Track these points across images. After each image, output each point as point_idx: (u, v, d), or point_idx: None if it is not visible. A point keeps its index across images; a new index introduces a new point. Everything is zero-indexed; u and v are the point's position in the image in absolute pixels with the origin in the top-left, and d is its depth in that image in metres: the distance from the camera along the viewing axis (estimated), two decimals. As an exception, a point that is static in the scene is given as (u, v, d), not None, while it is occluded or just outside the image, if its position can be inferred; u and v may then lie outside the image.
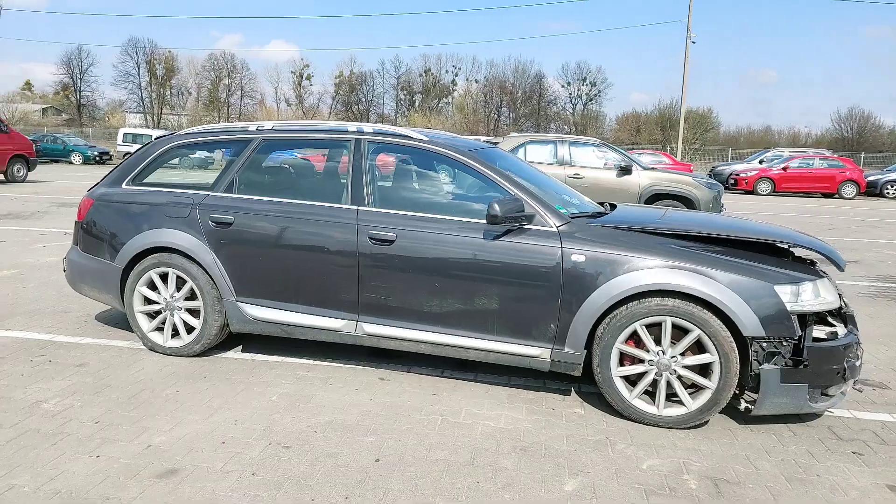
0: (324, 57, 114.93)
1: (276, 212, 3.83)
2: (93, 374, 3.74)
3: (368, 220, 3.67)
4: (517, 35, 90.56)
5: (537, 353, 3.50)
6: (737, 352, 3.23)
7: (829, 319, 3.52)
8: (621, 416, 3.43)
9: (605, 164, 10.28)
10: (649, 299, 3.30)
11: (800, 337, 3.22)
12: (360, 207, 3.72)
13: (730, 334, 3.22)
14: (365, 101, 72.91)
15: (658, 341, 3.33)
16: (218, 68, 63.36)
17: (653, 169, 10.60)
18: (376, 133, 3.89)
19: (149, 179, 4.24)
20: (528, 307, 3.48)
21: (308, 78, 74.54)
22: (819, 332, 3.42)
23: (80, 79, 58.24)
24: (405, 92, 76.61)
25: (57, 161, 27.38)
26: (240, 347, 4.29)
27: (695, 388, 3.36)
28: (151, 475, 2.69)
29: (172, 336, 4.08)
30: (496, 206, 3.33)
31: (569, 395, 3.74)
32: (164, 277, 4.03)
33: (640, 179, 10.01)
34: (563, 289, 3.41)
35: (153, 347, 4.11)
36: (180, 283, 4.00)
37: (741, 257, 3.35)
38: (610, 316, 3.36)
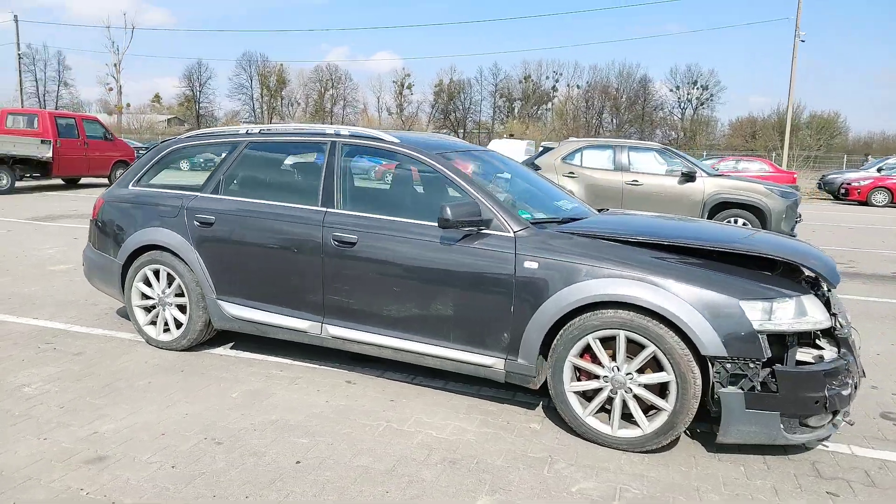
0: (425, 67, 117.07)
1: (253, 212, 3.93)
2: (84, 363, 3.99)
3: (334, 222, 3.69)
4: (620, 37, 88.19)
5: (491, 363, 3.38)
6: (697, 372, 2.97)
7: (819, 342, 3.17)
8: (577, 434, 3.24)
9: (666, 170, 9.79)
10: (602, 311, 3.10)
11: (770, 359, 2.92)
12: (328, 209, 3.75)
13: (689, 352, 2.97)
14: (462, 108, 73.59)
15: (615, 356, 3.12)
16: (323, 80, 66.12)
17: (721, 175, 9.98)
18: (351, 135, 3.91)
19: (153, 181, 4.48)
20: (482, 314, 3.36)
21: (409, 87, 76.23)
22: (805, 355, 3.09)
23: (200, 91, 62.70)
24: (504, 99, 76.57)
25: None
26: (230, 344, 4.43)
27: (655, 409, 3.12)
28: (81, 461, 2.82)
29: (165, 330, 4.27)
30: (447, 210, 3.25)
31: (533, 409, 3.58)
32: (157, 274, 4.24)
33: (705, 187, 9.46)
34: (516, 296, 3.27)
35: (148, 340, 4.33)
36: (171, 279, 4.19)
37: (711, 269, 3.08)
38: (564, 327, 3.19)
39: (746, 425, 2.94)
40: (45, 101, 58.14)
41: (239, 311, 3.99)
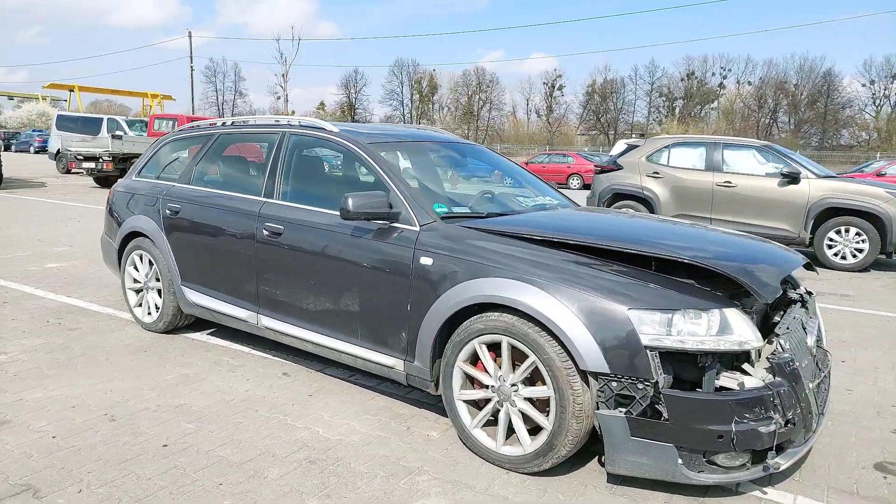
0: (577, 68, 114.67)
1: (208, 202, 4.05)
2: (69, 338, 4.34)
3: (267, 213, 3.70)
4: (799, 25, 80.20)
5: (392, 363, 3.20)
6: (579, 388, 2.60)
7: (747, 366, 2.65)
8: (468, 446, 2.97)
9: (766, 171, 8.75)
10: (488, 314, 2.81)
11: (661, 380, 2.48)
12: (267, 200, 3.77)
13: (572, 365, 2.61)
14: (614, 109, 71.18)
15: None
16: (471, 84, 67.17)
17: (832, 177, 8.74)
18: (300, 126, 3.90)
19: (147, 172, 4.77)
20: (385, 312, 3.20)
21: (560, 88, 75.09)
22: (729, 380, 2.60)
23: (355, 98, 66.33)
24: (663, 98, 72.97)
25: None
26: (211, 330, 4.60)
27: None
28: (-15, 423, 3.07)
29: (148, 313, 4.54)
30: (349, 201, 3.11)
31: (447, 417, 3.33)
32: (142, 259, 4.51)
33: (810, 190, 8.34)
34: (412, 294, 3.07)
35: (137, 321, 4.63)
36: (152, 264, 4.44)
37: (608, 272, 2.68)
38: (456, 330, 2.94)
39: (635, 455, 2.53)
40: (222, 109, 64.80)
41: (197, 298, 4.14)
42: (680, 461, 2.48)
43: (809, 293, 3.20)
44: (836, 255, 8.27)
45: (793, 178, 8.43)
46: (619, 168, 9.69)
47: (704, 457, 2.51)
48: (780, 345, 2.64)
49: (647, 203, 9.33)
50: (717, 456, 2.52)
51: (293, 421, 3.23)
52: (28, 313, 4.88)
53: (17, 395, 3.39)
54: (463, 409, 2.96)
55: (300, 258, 3.51)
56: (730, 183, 8.77)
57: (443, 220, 3.19)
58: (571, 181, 24.72)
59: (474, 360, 2.93)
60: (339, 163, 4.02)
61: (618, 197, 9.65)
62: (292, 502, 2.51)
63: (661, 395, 2.45)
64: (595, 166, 10.89)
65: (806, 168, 8.58)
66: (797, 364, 2.61)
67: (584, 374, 2.60)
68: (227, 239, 3.88)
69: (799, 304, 2.98)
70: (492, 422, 2.92)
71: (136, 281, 4.60)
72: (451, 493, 2.62)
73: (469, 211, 3.42)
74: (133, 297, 4.64)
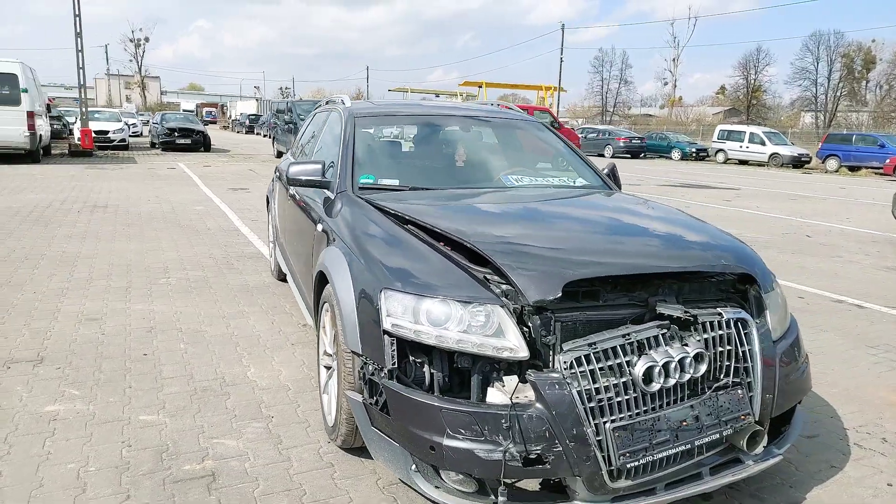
0: None
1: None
2: (220, 273, 5.55)
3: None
4: None
5: (314, 324, 3.40)
6: (350, 366, 2.47)
7: (509, 378, 2.15)
8: (330, 411, 3.03)
9: None
10: (329, 283, 2.83)
11: (394, 370, 2.22)
12: (305, 168, 4.25)
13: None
14: None
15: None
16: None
17: None
18: (342, 103, 4.25)
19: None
20: (307, 275, 3.42)
21: None
22: (500, 394, 2.18)
23: (755, 79, 59.68)
24: None
25: (662, 156, 29.91)
26: (316, 283, 5.32)
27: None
28: (81, 318, 4.27)
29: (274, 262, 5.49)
30: (289, 168, 3.40)
31: (364, 384, 3.38)
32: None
33: None
34: (313, 260, 3.23)
35: (270, 268, 5.64)
36: (276, 224, 5.36)
37: (413, 252, 2.46)
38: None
39: (378, 448, 2.32)
40: (605, 98, 65.86)
41: (278, 254, 4.88)
42: (413, 467, 2.19)
43: (720, 314, 2.27)
44: None
45: None
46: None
47: (434, 468, 2.16)
48: (560, 362, 2.06)
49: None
50: (445, 473, 2.14)
51: (247, 360, 3.69)
52: (226, 255, 6.33)
53: (128, 305, 4.61)
54: (323, 373, 3.02)
55: (295, 219, 3.94)
56: None
57: (360, 189, 3.23)
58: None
59: (336, 327, 2.96)
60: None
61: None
62: (150, 411, 3.01)
63: (383, 387, 2.20)
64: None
65: None
66: (570, 390, 2.01)
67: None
68: (286, 205, 4.50)
69: (663, 325, 2.17)
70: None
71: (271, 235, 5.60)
72: (257, 441, 2.78)
73: (397, 183, 3.34)
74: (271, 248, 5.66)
